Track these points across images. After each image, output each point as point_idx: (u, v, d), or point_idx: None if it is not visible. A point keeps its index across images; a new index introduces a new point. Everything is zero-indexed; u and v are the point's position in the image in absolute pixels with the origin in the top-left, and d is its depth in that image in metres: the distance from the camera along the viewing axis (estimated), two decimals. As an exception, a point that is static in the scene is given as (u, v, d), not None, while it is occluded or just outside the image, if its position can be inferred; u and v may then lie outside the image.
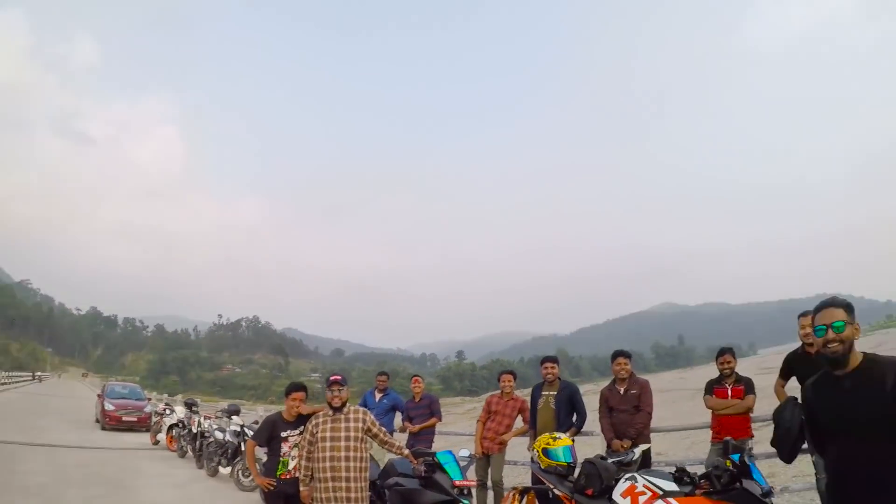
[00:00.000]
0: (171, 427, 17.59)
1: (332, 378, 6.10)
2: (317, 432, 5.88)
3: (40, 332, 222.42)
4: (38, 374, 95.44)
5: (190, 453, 15.45)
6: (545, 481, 6.01)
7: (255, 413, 21.86)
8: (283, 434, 6.32)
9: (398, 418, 10.34)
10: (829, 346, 3.34)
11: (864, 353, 3.38)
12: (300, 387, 6.62)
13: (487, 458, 8.46)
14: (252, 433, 8.67)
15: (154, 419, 20.90)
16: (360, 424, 5.93)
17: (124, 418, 22.94)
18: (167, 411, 18.80)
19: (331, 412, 5.94)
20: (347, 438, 5.81)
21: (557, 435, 6.30)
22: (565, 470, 5.91)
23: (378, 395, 10.29)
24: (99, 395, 25.56)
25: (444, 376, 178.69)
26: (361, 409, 6.12)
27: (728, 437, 5.82)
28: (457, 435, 11.34)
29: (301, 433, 6.21)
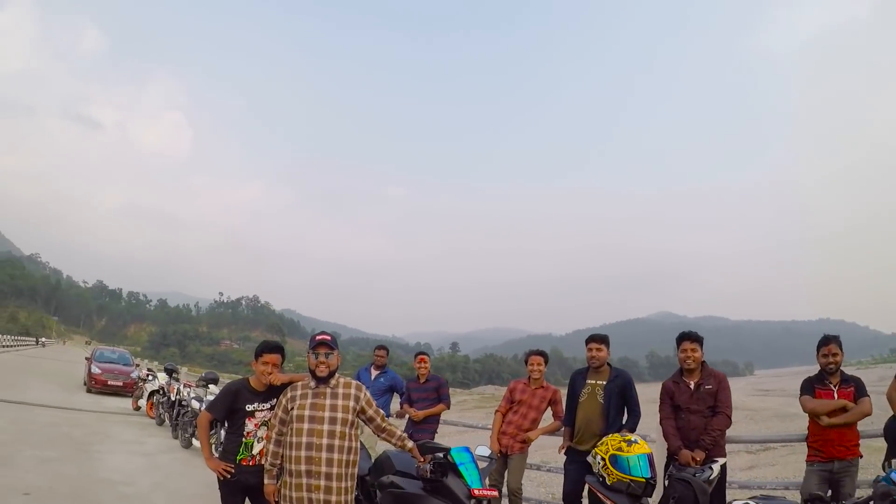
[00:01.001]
0: (151, 393, 16.70)
1: (317, 337, 4.47)
2: (292, 408, 4.30)
3: (48, 302, 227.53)
4: (42, 339, 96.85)
5: (167, 422, 14.57)
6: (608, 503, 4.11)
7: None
8: (249, 407, 4.59)
9: (396, 402, 8.79)
10: None
11: None
12: (275, 347, 4.70)
13: (505, 458, 6.72)
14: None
15: (138, 385, 20.11)
16: (352, 403, 4.37)
17: (110, 382, 22.45)
18: (149, 377, 17.87)
19: (313, 383, 4.38)
20: (333, 420, 4.25)
21: (633, 438, 4.32)
22: (641, 488, 4.05)
23: (374, 373, 8.57)
24: (87, 359, 24.89)
25: (437, 367, 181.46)
26: (355, 382, 4.55)
27: None
28: (469, 427, 9.69)
29: (272, 408, 4.55)
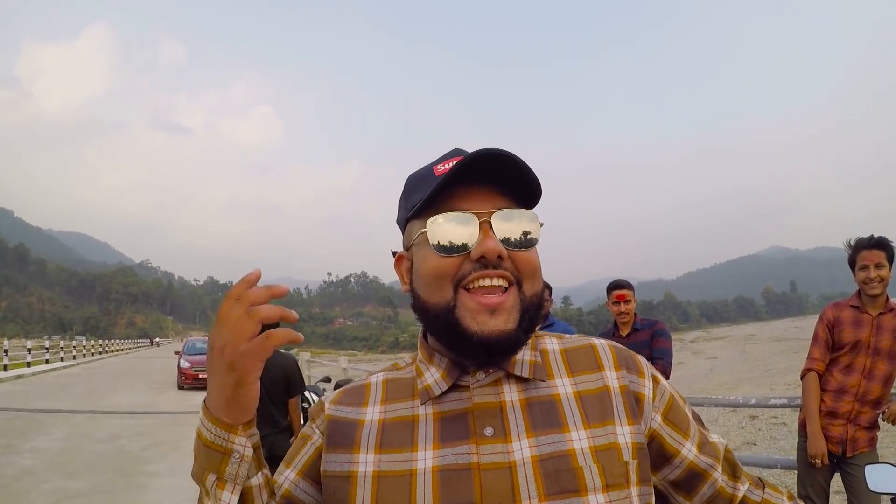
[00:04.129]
0: (238, 385, 13.98)
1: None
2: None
3: (163, 303, 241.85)
4: (157, 340, 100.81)
5: (252, 418, 11.66)
6: None
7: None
8: None
9: None
10: None
11: None
12: None
13: (834, 462, 3.64)
14: None
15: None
16: (629, 435, 0.95)
17: (201, 376, 19.69)
18: (234, 366, 15.08)
19: (435, 377, 1.00)
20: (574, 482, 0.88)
21: None
22: None
23: None
24: (177, 353, 22.67)
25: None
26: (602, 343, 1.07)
27: None
28: (724, 406, 5.98)
29: None
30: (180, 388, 20.05)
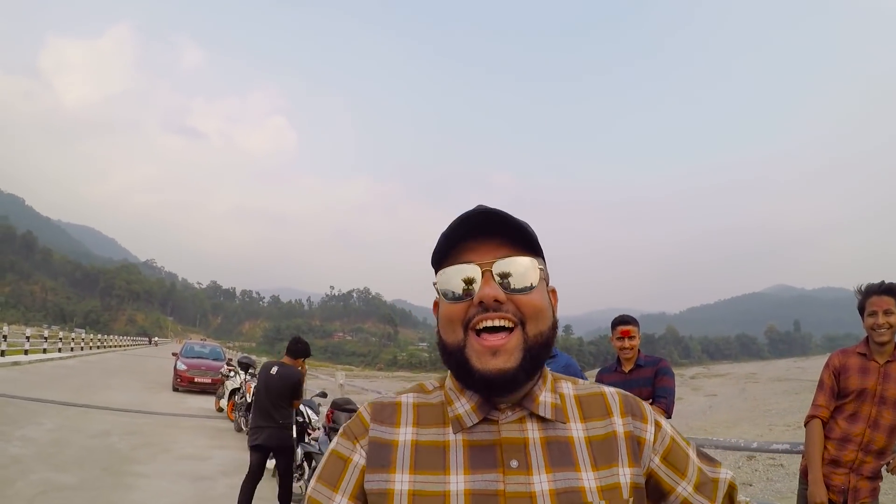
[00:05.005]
0: (232, 392, 13.88)
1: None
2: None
3: (164, 304, 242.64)
4: (155, 339, 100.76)
5: (244, 428, 11.57)
6: None
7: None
8: None
9: None
10: None
11: None
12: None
13: None
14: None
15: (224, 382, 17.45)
16: (628, 475, 1.10)
17: (197, 379, 19.93)
18: (231, 373, 14.95)
19: (466, 411, 1.10)
20: None
21: None
22: None
23: None
24: (174, 354, 22.66)
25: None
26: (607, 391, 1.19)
27: None
28: (726, 448, 5.62)
29: None
30: (175, 389, 19.96)
